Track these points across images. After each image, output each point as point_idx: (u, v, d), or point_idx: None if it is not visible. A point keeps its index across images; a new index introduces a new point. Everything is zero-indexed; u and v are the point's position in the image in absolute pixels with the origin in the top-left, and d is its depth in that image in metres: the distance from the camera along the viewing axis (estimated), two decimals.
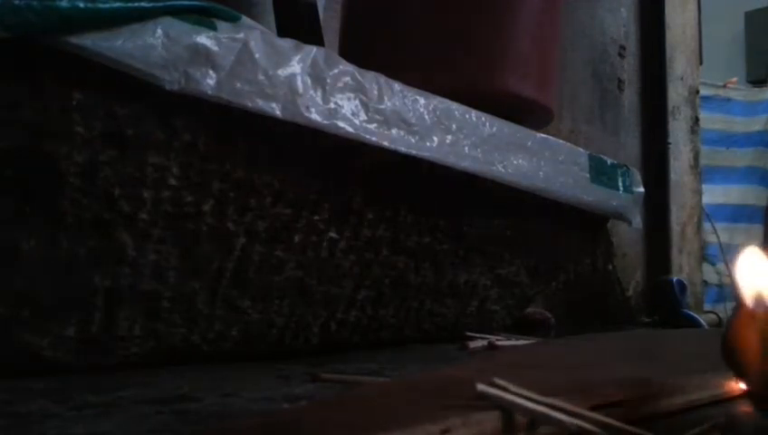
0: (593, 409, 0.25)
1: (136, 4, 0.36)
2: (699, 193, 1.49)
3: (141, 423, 0.29)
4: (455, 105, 0.55)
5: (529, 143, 0.62)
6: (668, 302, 1.16)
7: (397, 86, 0.51)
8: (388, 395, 0.30)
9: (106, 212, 0.39)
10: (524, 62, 0.71)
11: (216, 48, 0.39)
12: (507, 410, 0.22)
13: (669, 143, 1.47)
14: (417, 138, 0.51)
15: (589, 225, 0.75)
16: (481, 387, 0.23)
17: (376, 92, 0.49)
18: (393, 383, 0.38)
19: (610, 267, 1.22)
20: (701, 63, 1.63)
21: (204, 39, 0.39)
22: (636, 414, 0.27)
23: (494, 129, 0.58)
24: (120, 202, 0.40)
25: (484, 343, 0.62)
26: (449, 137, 0.54)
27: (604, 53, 1.41)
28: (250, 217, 0.46)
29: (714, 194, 1.79)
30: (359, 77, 0.48)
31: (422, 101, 0.52)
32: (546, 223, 0.69)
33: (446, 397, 0.27)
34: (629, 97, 1.46)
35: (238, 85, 0.40)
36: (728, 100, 2.41)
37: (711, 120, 2.24)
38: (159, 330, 0.45)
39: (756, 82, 2.68)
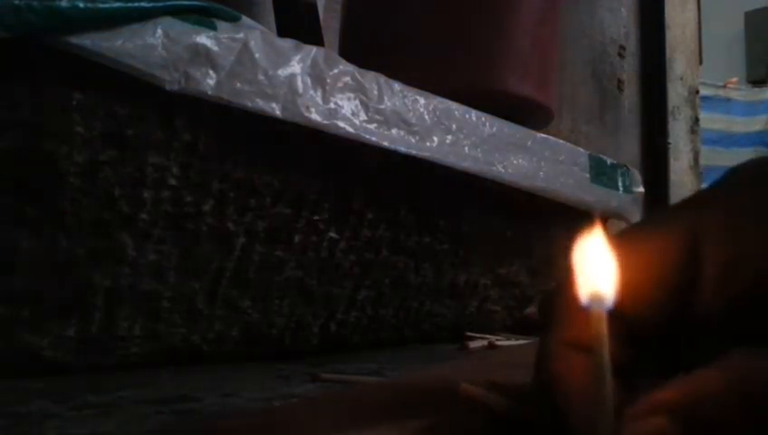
0: None
1: (136, 4, 0.36)
2: None
3: (141, 423, 0.29)
4: (455, 105, 0.55)
5: (529, 143, 0.62)
6: None
7: (397, 86, 0.51)
8: (376, 394, 0.31)
9: (106, 212, 0.39)
10: (524, 62, 0.71)
11: (216, 48, 0.39)
12: (492, 408, 0.22)
13: (669, 143, 1.47)
14: (417, 138, 0.51)
15: (589, 225, 0.75)
16: (465, 386, 0.23)
17: (376, 92, 0.49)
18: (384, 383, 0.38)
19: None
20: (701, 63, 1.63)
21: (204, 39, 0.39)
22: None
23: (494, 129, 0.58)
24: (120, 202, 0.40)
25: (484, 343, 0.62)
26: (449, 137, 0.54)
27: (604, 53, 1.41)
28: (250, 217, 0.46)
29: None
30: (359, 77, 0.48)
31: (422, 101, 0.52)
32: (546, 223, 0.69)
33: (434, 396, 0.27)
34: (629, 97, 1.46)
35: (238, 85, 0.40)
36: (728, 100, 2.42)
37: (711, 120, 2.25)
38: (159, 330, 0.45)
39: (756, 82, 2.69)
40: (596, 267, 0.17)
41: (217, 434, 0.25)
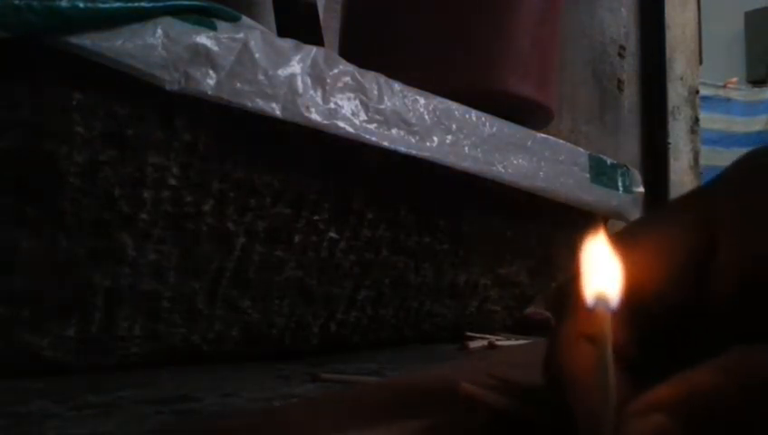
0: None
1: (136, 4, 0.36)
2: None
3: (141, 423, 0.29)
4: (455, 105, 0.55)
5: (529, 143, 0.62)
6: None
7: (397, 86, 0.51)
8: (376, 394, 0.31)
9: (106, 212, 0.39)
10: (524, 62, 0.71)
11: (216, 48, 0.39)
12: (492, 407, 0.22)
13: (669, 143, 1.47)
14: (417, 138, 0.51)
15: (589, 225, 0.75)
16: (465, 385, 0.23)
17: (376, 92, 0.49)
18: (384, 383, 0.38)
19: None
20: (701, 63, 1.63)
21: (204, 39, 0.39)
22: None
23: (494, 129, 0.58)
24: (120, 202, 0.40)
25: (484, 343, 0.63)
26: (449, 137, 0.54)
27: (604, 53, 1.41)
28: (250, 217, 0.46)
29: None
30: (359, 77, 0.48)
31: (422, 101, 0.52)
32: (546, 223, 0.69)
33: (434, 396, 0.27)
34: (629, 97, 1.46)
35: (238, 85, 0.40)
36: (728, 100, 2.42)
37: (711, 120, 2.25)
38: (159, 330, 0.45)
39: (756, 82, 2.69)
40: (601, 268, 0.17)
41: (217, 434, 0.25)
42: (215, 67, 0.39)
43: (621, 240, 0.18)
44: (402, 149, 0.50)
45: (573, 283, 0.19)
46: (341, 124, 0.46)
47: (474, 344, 0.61)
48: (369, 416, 0.25)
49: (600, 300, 0.16)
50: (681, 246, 0.19)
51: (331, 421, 0.25)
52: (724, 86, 2.43)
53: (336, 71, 0.46)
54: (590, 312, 0.16)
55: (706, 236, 0.19)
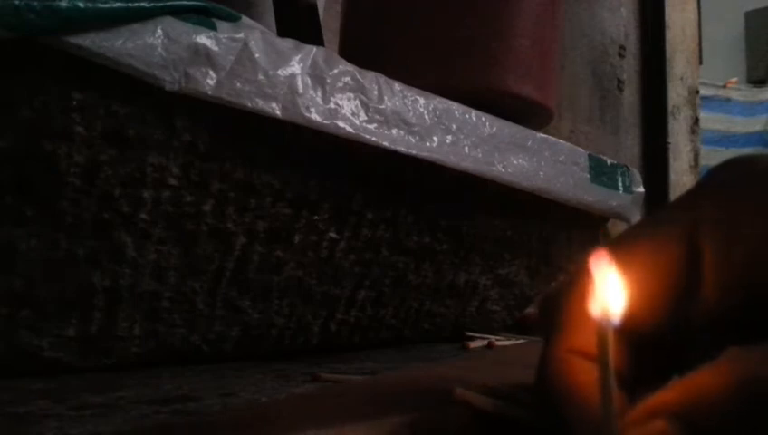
0: None
1: (136, 5, 0.36)
2: None
3: (141, 423, 0.29)
4: (455, 105, 0.55)
5: (529, 143, 0.62)
6: None
7: (397, 86, 0.51)
8: (363, 390, 0.31)
9: (106, 212, 0.39)
10: (524, 62, 0.71)
11: (216, 48, 0.39)
12: (489, 412, 0.22)
13: (669, 143, 1.47)
14: (417, 138, 0.51)
15: (589, 225, 0.75)
16: (460, 391, 0.22)
17: (376, 92, 0.49)
18: (373, 379, 0.38)
19: None
20: (701, 63, 1.63)
21: (204, 39, 0.39)
22: None
23: (494, 129, 0.58)
24: (120, 202, 0.40)
25: (484, 342, 0.63)
26: (449, 137, 0.54)
27: (604, 53, 1.41)
28: (250, 217, 0.46)
29: None
30: (359, 77, 0.48)
31: (422, 101, 0.52)
32: (546, 223, 0.69)
33: (421, 392, 0.27)
34: (629, 97, 1.46)
35: (238, 85, 0.40)
36: (728, 100, 2.42)
37: (711, 120, 2.25)
38: (159, 330, 0.45)
39: (756, 82, 2.69)
40: (606, 282, 0.17)
41: (210, 428, 0.25)
42: (215, 67, 0.39)
43: (614, 254, 0.18)
44: (402, 149, 0.50)
45: (562, 297, 0.19)
46: (341, 124, 0.46)
47: (473, 344, 0.61)
48: (356, 411, 0.25)
49: (604, 314, 0.16)
50: (672, 253, 0.19)
51: (317, 417, 0.25)
52: (724, 86, 2.43)
53: (336, 71, 0.46)
54: (591, 326, 0.16)
55: (693, 248, 0.19)
